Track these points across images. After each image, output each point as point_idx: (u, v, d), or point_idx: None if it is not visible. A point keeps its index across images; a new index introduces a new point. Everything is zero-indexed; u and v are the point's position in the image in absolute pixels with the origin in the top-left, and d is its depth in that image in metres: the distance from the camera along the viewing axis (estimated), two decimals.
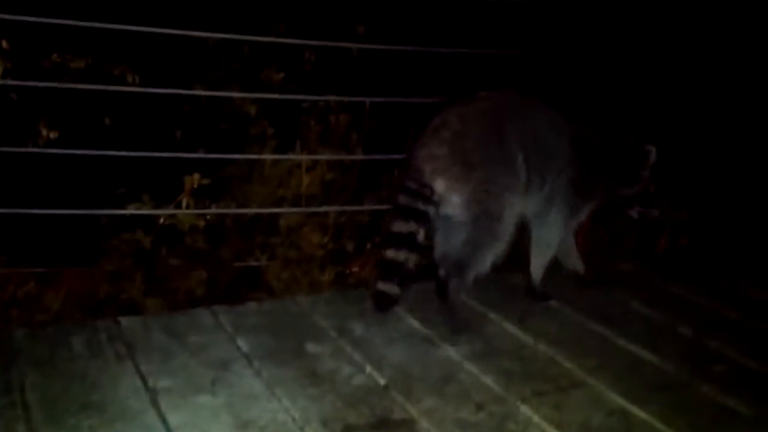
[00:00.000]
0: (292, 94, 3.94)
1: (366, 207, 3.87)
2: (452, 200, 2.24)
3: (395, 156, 3.78)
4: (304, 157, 3.87)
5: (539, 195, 2.38)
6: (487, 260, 2.28)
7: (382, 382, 1.97)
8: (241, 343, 2.09)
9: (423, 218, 2.24)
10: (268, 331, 2.18)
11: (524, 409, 1.89)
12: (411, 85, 4.25)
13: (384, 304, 2.27)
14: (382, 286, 2.26)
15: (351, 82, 4.21)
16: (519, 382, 2.02)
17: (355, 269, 3.94)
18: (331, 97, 3.89)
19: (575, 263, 2.63)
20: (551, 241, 2.48)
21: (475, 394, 1.94)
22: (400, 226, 2.24)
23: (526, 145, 2.31)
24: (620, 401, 1.96)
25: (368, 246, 3.89)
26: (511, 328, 2.33)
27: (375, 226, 3.99)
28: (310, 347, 2.10)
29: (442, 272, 2.34)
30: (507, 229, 2.28)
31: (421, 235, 2.25)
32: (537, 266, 2.52)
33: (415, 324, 2.30)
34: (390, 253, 2.24)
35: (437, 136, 2.25)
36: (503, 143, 2.28)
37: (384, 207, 3.89)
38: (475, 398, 1.92)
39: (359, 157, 3.99)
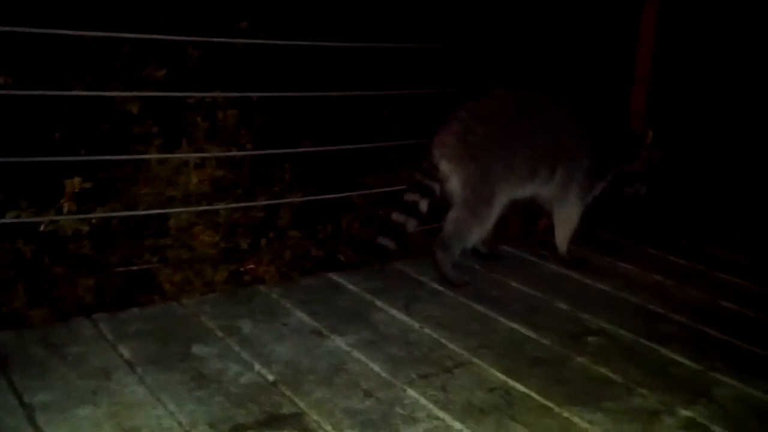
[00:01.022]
0: (175, 91, 3.85)
1: (258, 203, 3.83)
2: (452, 180, 2.60)
3: (288, 150, 3.79)
4: (192, 155, 3.79)
5: (552, 181, 2.73)
6: (471, 236, 2.65)
7: (270, 378, 1.96)
8: (123, 350, 2.03)
9: (428, 192, 2.63)
10: (151, 336, 2.12)
11: (411, 393, 1.93)
12: (299, 79, 4.24)
13: (381, 255, 2.68)
14: (381, 240, 2.65)
15: (238, 77, 4.15)
16: (406, 366, 2.06)
17: (251, 267, 3.91)
18: (216, 94, 3.82)
19: (561, 241, 2.88)
20: (571, 217, 2.82)
21: (364, 382, 1.97)
22: (409, 196, 2.65)
23: (534, 140, 2.65)
24: (502, 377, 2.03)
25: (263, 243, 3.87)
26: (398, 314, 2.37)
27: (269, 222, 3.96)
28: (197, 349, 2.07)
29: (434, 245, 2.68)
30: (493, 213, 2.63)
31: (423, 205, 2.64)
32: (561, 240, 2.86)
33: (304, 318, 2.30)
34: (395, 215, 2.65)
35: (449, 127, 2.63)
36: (506, 140, 2.63)
37: (278, 201, 3.90)
38: (364, 386, 1.95)
39: (243, 153, 3.93)
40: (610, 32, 3.96)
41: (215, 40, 3.61)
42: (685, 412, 1.91)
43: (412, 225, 2.64)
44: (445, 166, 2.60)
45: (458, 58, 4.36)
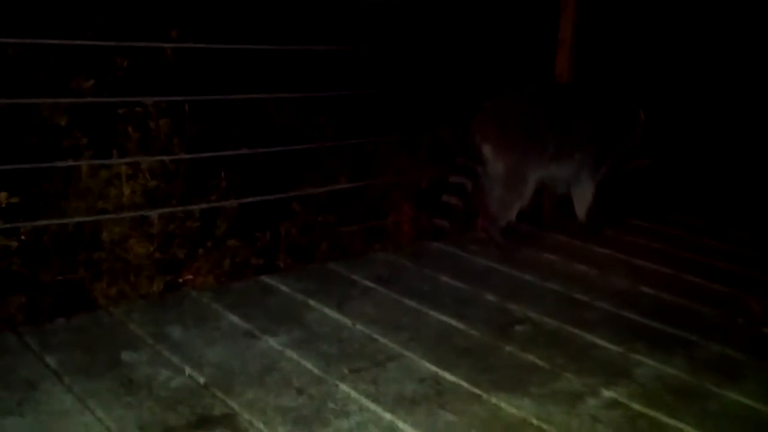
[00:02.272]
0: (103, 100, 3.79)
1: (190, 207, 3.78)
2: (494, 163, 2.94)
3: (226, 153, 3.75)
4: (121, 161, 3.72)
5: (571, 164, 3.08)
6: (513, 210, 3.00)
7: (201, 381, 1.95)
8: (50, 360, 1.99)
9: (472, 174, 2.98)
10: (79, 345, 2.08)
11: (343, 387, 1.95)
12: (231, 87, 4.22)
13: (438, 234, 3.08)
14: (437, 221, 3.04)
15: (168, 86, 4.11)
16: (337, 362, 2.07)
17: (189, 277, 3.86)
18: (146, 99, 3.77)
19: (581, 210, 3.24)
20: (586, 194, 3.19)
21: (296, 380, 1.97)
22: (455, 178, 2.99)
23: (555, 130, 3.00)
24: (432, 368, 2.06)
25: (201, 252, 3.83)
26: (330, 313, 2.38)
27: (206, 231, 3.92)
28: (125, 356, 2.03)
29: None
30: (529, 189, 2.99)
31: (469, 186, 2.98)
32: (580, 214, 3.22)
33: (236, 320, 2.29)
34: (445, 197, 3.00)
35: (489, 117, 3.01)
36: (534, 129, 2.98)
37: (216, 204, 3.86)
38: (296, 384, 1.95)
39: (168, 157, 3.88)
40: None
41: (153, 45, 3.58)
42: (607, 393, 1.97)
43: (461, 205, 3.03)
44: (487, 149, 2.94)
45: (391, 61, 4.43)
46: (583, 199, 3.22)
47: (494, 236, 3.03)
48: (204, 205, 3.75)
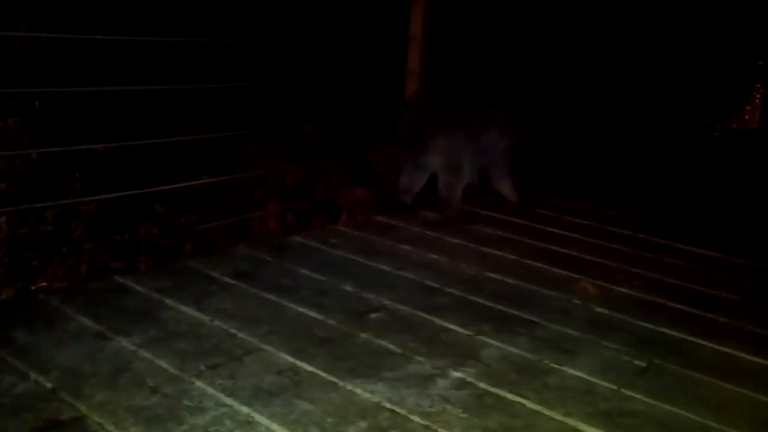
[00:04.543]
0: None
1: (42, 204, 3.55)
2: (434, 155, 3.38)
3: (76, 147, 3.54)
4: None
5: (490, 155, 3.50)
6: (459, 190, 3.43)
7: (48, 385, 1.83)
8: None
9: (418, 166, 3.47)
10: None
11: (199, 384, 1.90)
12: (86, 82, 4.01)
13: (405, 208, 3.56)
14: (403, 197, 3.56)
15: (18, 81, 3.84)
16: (194, 359, 2.01)
17: (43, 284, 3.63)
18: None
19: (509, 193, 3.65)
20: (505, 178, 3.60)
21: (150, 379, 1.90)
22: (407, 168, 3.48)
23: (479, 120, 3.42)
24: (290, 360, 2.05)
25: (56, 258, 3.60)
26: (188, 310, 2.31)
27: (61, 235, 3.70)
28: None
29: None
30: (466, 172, 3.41)
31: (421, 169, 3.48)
32: (509, 194, 3.63)
33: (86, 322, 2.18)
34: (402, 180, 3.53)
35: (420, 113, 3.43)
36: (462, 127, 3.37)
37: (72, 201, 3.64)
38: (150, 383, 1.88)
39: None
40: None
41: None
42: (456, 374, 2.04)
43: (417, 186, 3.55)
44: (429, 143, 3.34)
45: (250, 58, 4.37)
46: (505, 182, 3.61)
47: (453, 214, 3.43)
48: (51, 203, 3.51)
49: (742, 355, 2.30)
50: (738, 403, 2.02)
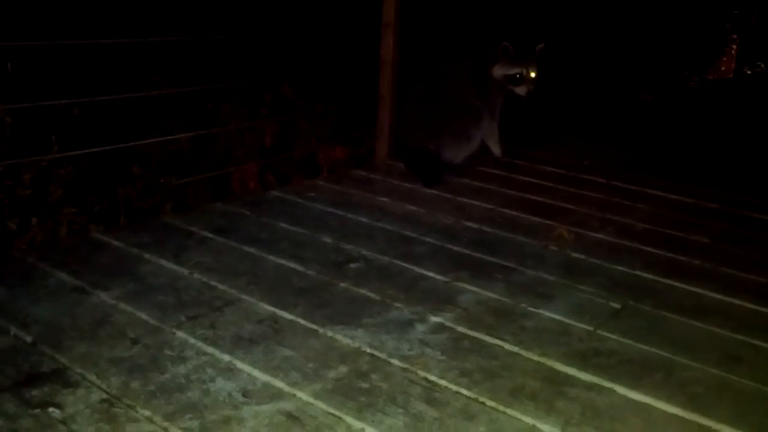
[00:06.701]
0: None
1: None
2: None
3: (47, 102, 3.45)
4: None
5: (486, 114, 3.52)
6: (461, 155, 3.48)
7: (28, 339, 1.81)
8: None
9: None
10: None
11: (180, 334, 1.89)
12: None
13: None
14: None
15: None
16: (174, 311, 2.00)
17: (23, 248, 3.57)
18: None
19: (493, 145, 3.66)
20: (494, 131, 3.61)
21: (130, 331, 1.89)
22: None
23: (469, 93, 3.44)
24: (270, 309, 2.05)
25: (34, 222, 3.55)
26: (167, 264, 2.29)
27: (39, 199, 3.64)
28: None
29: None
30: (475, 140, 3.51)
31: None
32: (493, 145, 3.65)
33: (64, 277, 2.15)
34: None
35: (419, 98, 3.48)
36: (457, 96, 3.42)
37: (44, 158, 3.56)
38: (130, 335, 1.87)
39: None
40: None
41: None
42: (434, 318, 2.05)
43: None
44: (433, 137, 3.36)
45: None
46: (492, 135, 3.64)
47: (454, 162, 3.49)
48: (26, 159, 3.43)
49: (712, 294, 2.33)
50: (706, 339, 2.05)
